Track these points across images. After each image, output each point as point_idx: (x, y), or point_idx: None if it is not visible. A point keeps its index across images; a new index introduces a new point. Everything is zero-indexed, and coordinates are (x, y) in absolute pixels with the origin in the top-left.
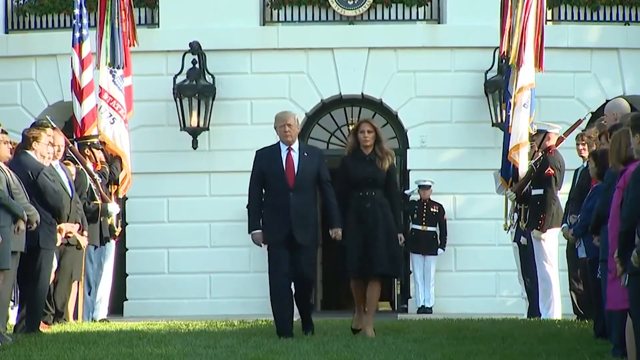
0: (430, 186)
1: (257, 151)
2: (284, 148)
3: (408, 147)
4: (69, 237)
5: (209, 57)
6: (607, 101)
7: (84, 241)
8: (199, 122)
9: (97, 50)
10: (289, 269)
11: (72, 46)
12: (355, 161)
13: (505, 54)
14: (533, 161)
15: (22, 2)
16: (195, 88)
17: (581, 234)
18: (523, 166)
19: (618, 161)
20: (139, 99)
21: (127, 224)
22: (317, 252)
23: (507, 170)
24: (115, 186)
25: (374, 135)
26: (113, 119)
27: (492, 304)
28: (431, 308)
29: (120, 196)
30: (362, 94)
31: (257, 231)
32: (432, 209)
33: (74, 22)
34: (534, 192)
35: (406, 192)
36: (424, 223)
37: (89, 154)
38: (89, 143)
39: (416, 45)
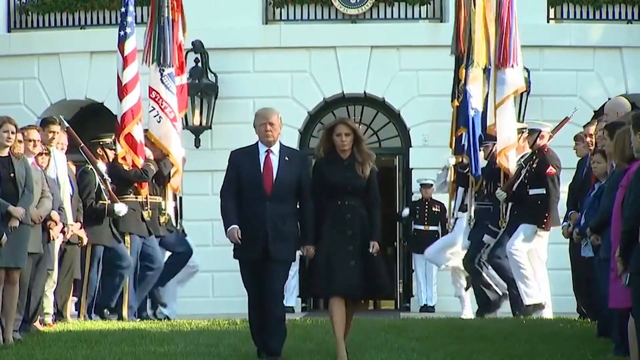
0: (432, 185)
1: (232, 152)
2: (262, 149)
3: (410, 146)
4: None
5: (212, 56)
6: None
7: (85, 238)
8: (201, 120)
9: (147, 48)
10: (260, 298)
11: (117, 45)
12: (330, 166)
13: (463, 52)
14: (523, 159)
15: (24, 1)
16: (198, 87)
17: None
18: (512, 169)
19: (622, 160)
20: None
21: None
22: (289, 268)
23: (477, 169)
24: (167, 183)
25: (352, 138)
26: (160, 118)
27: None
28: (433, 307)
29: (171, 192)
30: (364, 92)
31: (233, 226)
32: (434, 208)
33: (120, 20)
34: (533, 191)
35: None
36: (425, 222)
37: (101, 153)
38: (101, 143)
39: (419, 44)
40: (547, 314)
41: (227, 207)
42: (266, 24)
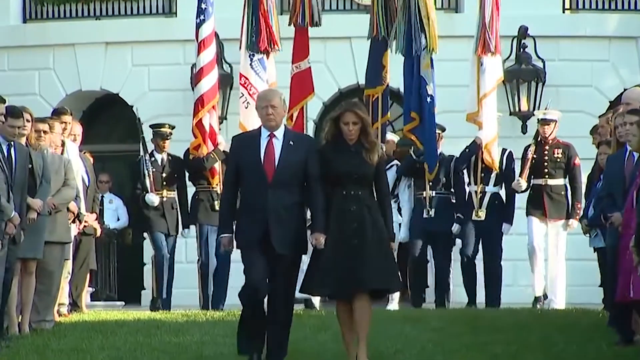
0: None
1: (233, 137)
2: (264, 134)
3: None
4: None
5: (227, 47)
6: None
7: (99, 230)
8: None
9: (240, 34)
10: (267, 274)
11: (195, 32)
12: (336, 152)
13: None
14: (532, 150)
15: None
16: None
17: (598, 224)
18: (497, 161)
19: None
20: (155, 89)
21: None
22: (299, 264)
23: (433, 159)
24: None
25: (359, 128)
26: (247, 104)
27: (509, 294)
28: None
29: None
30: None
31: (225, 235)
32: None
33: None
34: (552, 182)
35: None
36: None
37: (157, 143)
38: (156, 132)
39: None
40: (560, 305)
41: (223, 206)
42: (280, 14)
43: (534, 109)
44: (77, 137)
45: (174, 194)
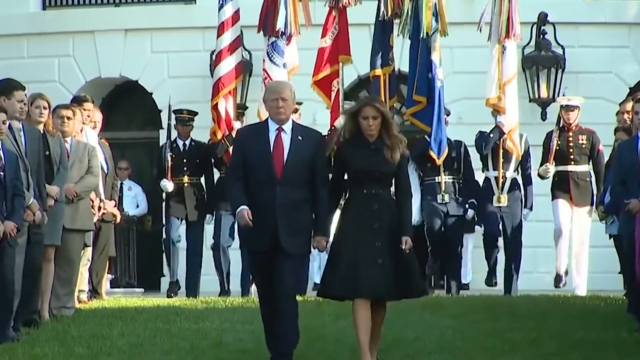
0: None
1: (238, 129)
2: (272, 127)
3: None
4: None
5: (246, 34)
6: None
7: (118, 216)
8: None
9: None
10: (273, 293)
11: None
12: (356, 149)
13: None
14: (556, 136)
15: None
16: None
17: (614, 211)
18: (519, 148)
19: None
20: (174, 76)
21: None
22: (307, 262)
23: (442, 144)
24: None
25: (380, 122)
26: (263, 88)
27: (529, 281)
28: (468, 284)
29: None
30: (398, 70)
31: (242, 208)
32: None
33: None
34: (577, 168)
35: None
36: None
37: (177, 128)
38: (176, 118)
39: (452, 21)
40: (582, 292)
41: (233, 191)
42: (299, 2)
43: (553, 96)
44: (97, 124)
45: (196, 180)
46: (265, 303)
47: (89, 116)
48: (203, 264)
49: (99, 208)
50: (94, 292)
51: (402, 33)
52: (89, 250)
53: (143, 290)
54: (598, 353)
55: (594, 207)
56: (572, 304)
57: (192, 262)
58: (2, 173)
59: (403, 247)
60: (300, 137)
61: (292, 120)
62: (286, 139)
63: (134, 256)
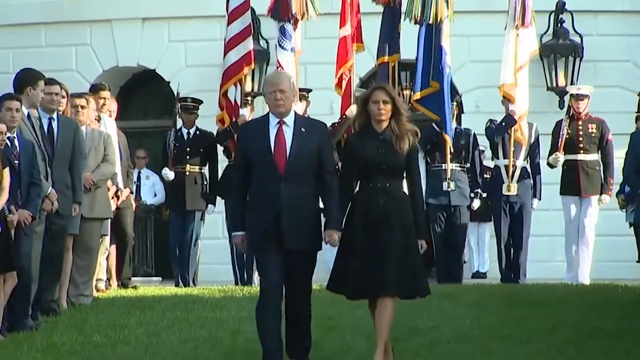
0: (484, 151)
1: (242, 126)
2: (273, 121)
3: (462, 112)
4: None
5: (263, 22)
6: None
7: (133, 205)
8: (253, 87)
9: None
10: (281, 277)
11: (225, 5)
12: (364, 140)
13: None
14: (565, 125)
15: None
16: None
17: (633, 200)
18: (527, 136)
19: None
20: (192, 65)
21: None
22: (315, 258)
23: (450, 129)
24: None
25: (390, 108)
26: None
27: (546, 269)
28: (485, 273)
29: None
30: (416, 58)
31: (238, 234)
32: (485, 175)
33: None
34: (587, 157)
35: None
36: None
37: (182, 116)
38: (180, 106)
39: (470, 9)
40: (585, 280)
41: (234, 201)
42: None
43: (571, 85)
44: (111, 113)
45: (198, 169)
46: (269, 304)
47: (104, 104)
48: (220, 253)
49: (117, 197)
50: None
51: (410, 18)
52: (107, 239)
53: (161, 279)
54: (615, 342)
55: (602, 195)
56: (589, 292)
57: (182, 253)
58: (16, 161)
59: (421, 252)
60: (303, 129)
61: (295, 112)
62: (288, 132)
63: (151, 245)
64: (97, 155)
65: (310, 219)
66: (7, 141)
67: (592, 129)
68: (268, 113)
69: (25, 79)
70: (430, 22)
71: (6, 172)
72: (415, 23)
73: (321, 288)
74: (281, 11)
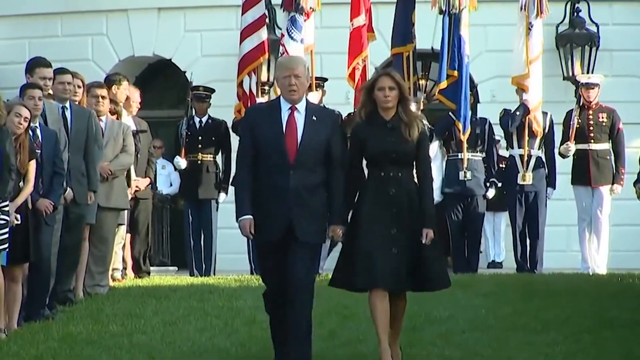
0: (499, 141)
1: (247, 109)
2: (285, 107)
3: (479, 102)
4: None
5: (279, 12)
6: None
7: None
8: (268, 77)
9: None
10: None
11: None
12: (371, 129)
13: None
14: (576, 114)
15: None
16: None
17: None
18: (541, 126)
19: None
20: (208, 54)
21: None
22: (320, 249)
23: (466, 120)
24: None
25: (397, 94)
26: None
27: (562, 259)
28: (501, 263)
29: None
30: (431, 48)
31: (246, 217)
32: (500, 165)
33: None
34: (598, 146)
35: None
36: None
37: (194, 105)
38: (193, 94)
39: None
40: (602, 270)
41: (239, 185)
42: None
43: (588, 74)
44: (133, 105)
45: (211, 158)
46: (274, 299)
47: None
48: (235, 242)
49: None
50: (139, 269)
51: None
52: (123, 228)
53: (177, 268)
54: (631, 332)
55: (614, 185)
56: (606, 282)
57: (196, 243)
58: (38, 151)
59: (424, 242)
60: (314, 118)
61: (306, 99)
62: (300, 119)
63: (167, 234)
64: (115, 146)
65: (319, 209)
66: (30, 131)
67: (602, 118)
68: (278, 98)
69: (26, 67)
70: (456, 11)
71: (32, 164)
72: (440, 13)
73: None
74: (286, 2)
